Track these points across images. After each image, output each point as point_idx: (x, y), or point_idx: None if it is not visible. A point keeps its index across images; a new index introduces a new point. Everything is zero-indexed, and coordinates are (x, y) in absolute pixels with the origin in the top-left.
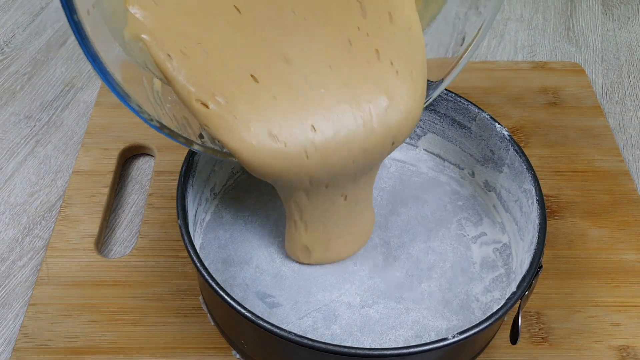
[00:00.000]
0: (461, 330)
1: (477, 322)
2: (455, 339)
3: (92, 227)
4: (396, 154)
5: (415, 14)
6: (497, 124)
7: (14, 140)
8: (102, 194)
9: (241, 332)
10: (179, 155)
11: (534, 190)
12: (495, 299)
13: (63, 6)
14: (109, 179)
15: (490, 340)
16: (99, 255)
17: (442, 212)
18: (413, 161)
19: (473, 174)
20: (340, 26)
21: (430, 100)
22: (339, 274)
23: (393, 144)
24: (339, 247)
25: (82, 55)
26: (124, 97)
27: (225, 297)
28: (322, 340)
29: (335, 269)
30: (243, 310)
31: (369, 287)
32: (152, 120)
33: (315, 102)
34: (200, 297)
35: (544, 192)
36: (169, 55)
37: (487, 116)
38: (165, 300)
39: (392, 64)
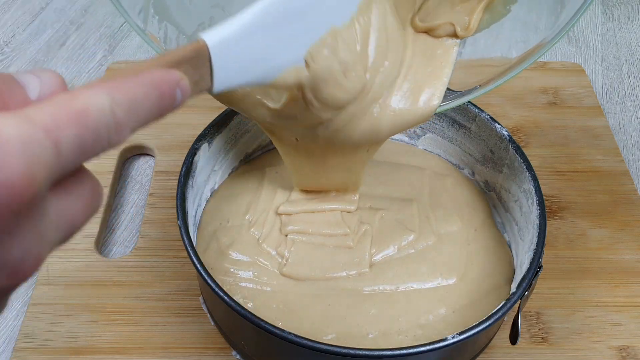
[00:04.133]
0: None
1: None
2: (455, 339)
3: (92, 227)
4: None
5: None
6: (496, 124)
7: None
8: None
9: (241, 332)
10: (179, 155)
11: (533, 191)
12: None
13: None
14: (109, 179)
15: (490, 340)
16: (99, 255)
17: None
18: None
19: (473, 174)
20: None
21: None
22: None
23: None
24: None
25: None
26: None
27: (225, 297)
28: (322, 341)
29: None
30: (243, 311)
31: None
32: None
33: None
34: (200, 297)
35: (544, 192)
36: None
37: (486, 116)
38: (165, 300)
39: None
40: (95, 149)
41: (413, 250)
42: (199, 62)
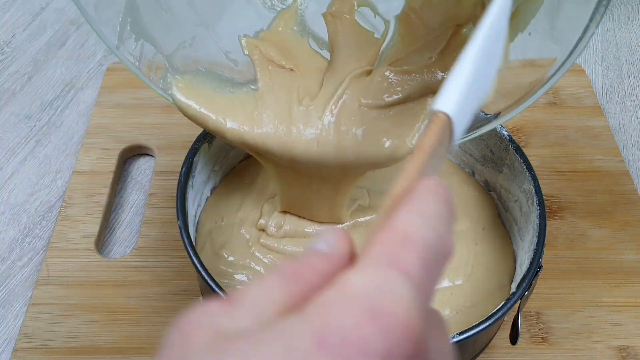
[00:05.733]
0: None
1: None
2: (455, 339)
3: (92, 227)
4: None
5: None
6: None
7: (14, 140)
8: (102, 194)
9: None
10: (179, 155)
11: (533, 191)
12: None
13: None
14: (109, 179)
15: (490, 340)
16: (99, 255)
17: None
18: None
19: (473, 174)
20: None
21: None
22: None
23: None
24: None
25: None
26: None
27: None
28: None
29: None
30: None
31: None
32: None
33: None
34: (200, 298)
35: (544, 192)
36: None
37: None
38: (165, 300)
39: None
40: None
41: None
42: (444, 137)
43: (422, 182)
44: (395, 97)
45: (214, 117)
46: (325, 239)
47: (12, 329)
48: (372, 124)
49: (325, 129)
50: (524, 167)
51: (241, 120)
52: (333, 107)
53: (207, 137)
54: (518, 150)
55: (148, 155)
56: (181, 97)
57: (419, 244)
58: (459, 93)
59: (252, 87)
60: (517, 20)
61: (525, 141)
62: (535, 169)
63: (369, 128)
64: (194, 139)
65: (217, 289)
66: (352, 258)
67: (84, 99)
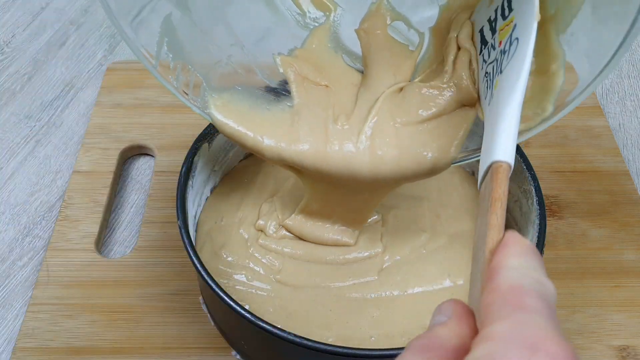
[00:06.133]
0: None
1: None
2: None
3: (92, 227)
4: None
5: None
6: None
7: (14, 140)
8: (102, 194)
9: (241, 332)
10: (179, 155)
11: (533, 191)
12: None
13: None
14: (109, 179)
15: None
16: (99, 255)
17: None
18: None
19: (473, 174)
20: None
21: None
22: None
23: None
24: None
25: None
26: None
27: (225, 298)
28: (321, 341)
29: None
30: (243, 311)
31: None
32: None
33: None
34: (200, 298)
35: (544, 192)
36: None
37: None
38: (165, 300)
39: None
40: None
41: (424, 251)
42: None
43: (505, 240)
44: (430, 112)
45: (251, 135)
46: (441, 310)
47: (12, 329)
48: (409, 141)
49: (361, 153)
50: (524, 167)
51: (278, 137)
52: (368, 130)
53: (207, 137)
54: (518, 150)
55: (148, 155)
56: (219, 116)
57: (529, 289)
58: (512, 140)
59: (288, 104)
60: (557, 22)
61: (525, 141)
62: (535, 169)
63: (406, 145)
64: (194, 139)
65: (216, 289)
66: (471, 319)
67: (84, 99)
